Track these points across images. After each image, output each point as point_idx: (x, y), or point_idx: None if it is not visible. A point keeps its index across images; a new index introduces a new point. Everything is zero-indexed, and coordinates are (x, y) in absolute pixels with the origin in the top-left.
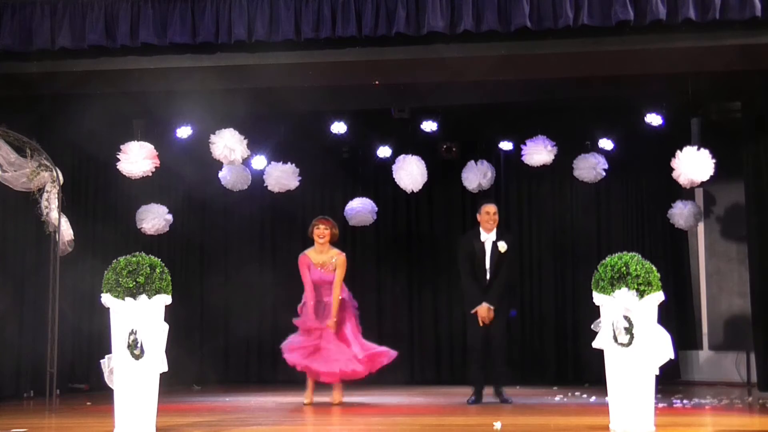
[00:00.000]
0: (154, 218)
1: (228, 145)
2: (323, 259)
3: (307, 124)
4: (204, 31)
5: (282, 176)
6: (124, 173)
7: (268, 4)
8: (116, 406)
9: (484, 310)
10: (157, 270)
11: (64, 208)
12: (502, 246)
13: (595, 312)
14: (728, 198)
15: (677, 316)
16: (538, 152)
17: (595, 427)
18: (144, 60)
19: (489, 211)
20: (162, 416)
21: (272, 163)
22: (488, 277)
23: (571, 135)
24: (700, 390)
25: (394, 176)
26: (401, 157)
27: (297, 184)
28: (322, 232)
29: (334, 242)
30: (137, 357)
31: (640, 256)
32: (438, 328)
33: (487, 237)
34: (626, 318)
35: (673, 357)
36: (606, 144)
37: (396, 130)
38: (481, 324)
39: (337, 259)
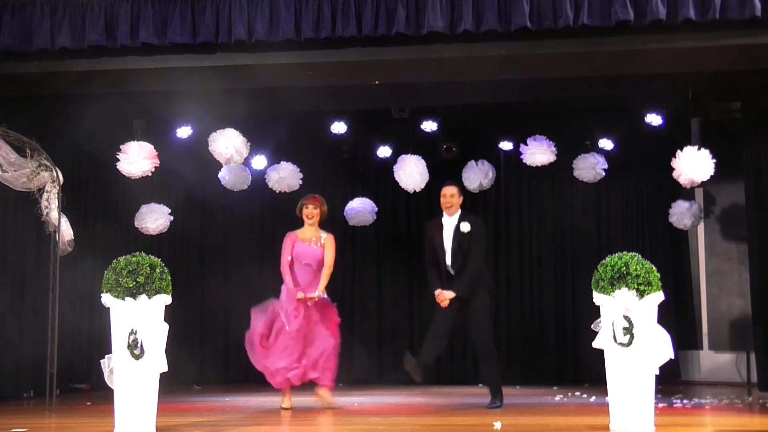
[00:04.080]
0: (158, 218)
1: (233, 146)
2: (310, 235)
3: (307, 124)
4: (204, 31)
5: (290, 176)
6: (124, 173)
7: (268, 4)
8: (116, 406)
9: (440, 295)
10: (157, 270)
11: (64, 208)
12: (465, 226)
13: (595, 312)
14: (728, 198)
15: (677, 316)
16: (542, 152)
17: (595, 427)
18: (144, 60)
19: (445, 194)
20: (162, 416)
21: (282, 162)
22: (448, 261)
23: (571, 135)
24: (700, 390)
25: (395, 176)
26: (401, 157)
27: (299, 184)
28: (310, 212)
29: (323, 221)
30: (137, 357)
31: (640, 256)
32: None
33: (449, 220)
34: (626, 318)
35: (673, 357)
36: (606, 144)
37: (396, 130)
38: (443, 306)
39: (326, 237)
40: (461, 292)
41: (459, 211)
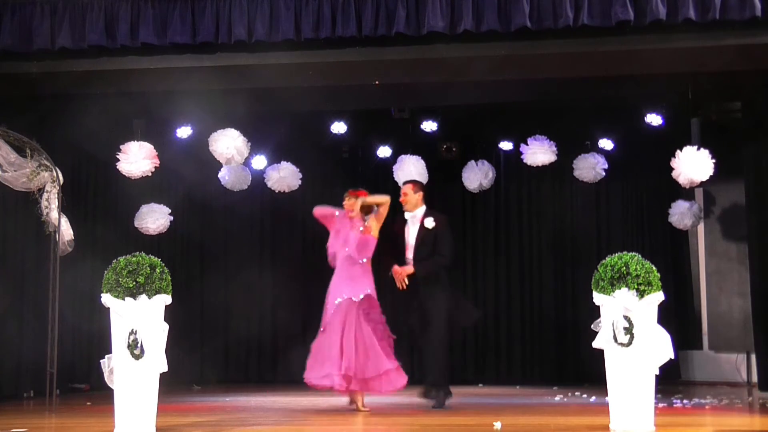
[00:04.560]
0: (158, 218)
1: (234, 146)
2: (356, 216)
3: (307, 124)
4: (204, 31)
5: (290, 176)
6: (123, 173)
7: (268, 4)
8: (116, 406)
9: (398, 273)
10: (157, 270)
11: (64, 208)
12: (429, 222)
13: (595, 312)
14: (728, 198)
15: (677, 316)
16: (542, 152)
17: (595, 427)
18: (144, 60)
19: (402, 192)
20: (162, 416)
21: (282, 162)
22: (410, 255)
23: (571, 135)
24: (700, 390)
25: (394, 176)
26: (401, 157)
27: (299, 184)
28: (348, 203)
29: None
30: (137, 357)
31: (640, 256)
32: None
33: (411, 216)
34: (626, 318)
35: (673, 357)
36: (606, 144)
37: (396, 130)
38: (399, 287)
39: (369, 217)
40: (418, 271)
41: (423, 207)
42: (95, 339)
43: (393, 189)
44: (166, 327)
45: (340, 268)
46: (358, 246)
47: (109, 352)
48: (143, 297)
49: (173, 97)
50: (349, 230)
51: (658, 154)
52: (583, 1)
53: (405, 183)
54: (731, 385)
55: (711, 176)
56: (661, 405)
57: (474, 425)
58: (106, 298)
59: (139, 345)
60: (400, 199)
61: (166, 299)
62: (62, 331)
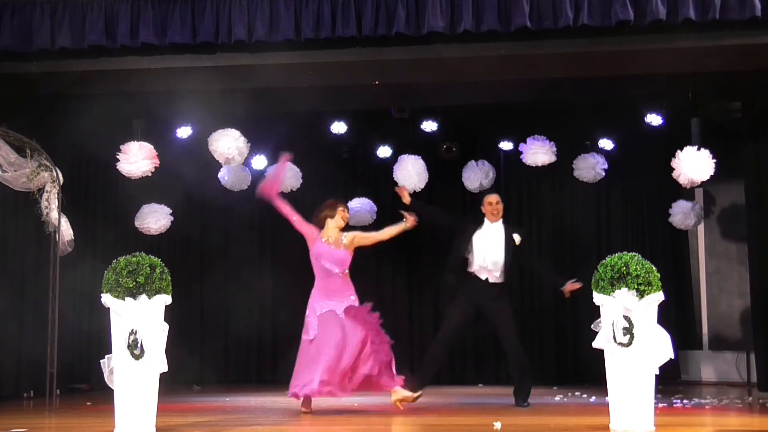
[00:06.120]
0: (160, 218)
1: (235, 146)
2: (335, 236)
3: (307, 124)
4: (204, 31)
5: (291, 176)
6: (124, 173)
7: (268, 4)
8: (116, 406)
9: None
10: (157, 270)
11: (64, 208)
12: (517, 238)
13: (595, 312)
14: (728, 198)
15: (677, 316)
16: (543, 152)
17: (595, 427)
18: (144, 60)
19: (492, 201)
20: (162, 416)
21: (288, 163)
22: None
23: (571, 135)
24: (700, 390)
25: (394, 176)
26: (400, 157)
27: (300, 184)
28: (347, 215)
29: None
30: (137, 357)
31: (640, 256)
32: (438, 328)
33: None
34: (626, 318)
35: (673, 357)
36: (606, 144)
37: (396, 130)
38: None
39: (348, 234)
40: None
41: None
42: (95, 339)
43: (393, 188)
44: (166, 327)
45: (321, 280)
46: (333, 263)
47: (109, 352)
48: (143, 297)
49: (173, 97)
50: (329, 247)
51: (658, 154)
52: (583, 1)
53: (492, 193)
54: (731, 385)
55: (711, 176)
56: (661, 405)
57: (474, 425)
58: (106, 298)
59: (139, 345)
60: (493, 209)
61: (166, 299)
62: (62, 331)
